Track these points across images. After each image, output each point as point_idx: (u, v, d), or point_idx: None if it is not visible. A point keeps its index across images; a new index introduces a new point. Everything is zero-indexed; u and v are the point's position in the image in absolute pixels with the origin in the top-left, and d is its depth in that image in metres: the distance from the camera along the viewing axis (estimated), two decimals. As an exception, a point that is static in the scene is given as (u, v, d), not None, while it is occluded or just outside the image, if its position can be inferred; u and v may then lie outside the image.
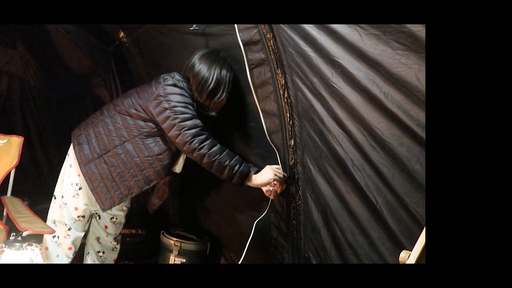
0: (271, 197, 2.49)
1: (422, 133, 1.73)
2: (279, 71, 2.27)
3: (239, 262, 2.59)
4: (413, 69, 1.71)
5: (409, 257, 1.40)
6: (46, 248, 2.74)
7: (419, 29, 1.64)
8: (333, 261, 2.27)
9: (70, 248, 2.75)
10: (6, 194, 2.97)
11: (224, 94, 2.50)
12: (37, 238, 2.58)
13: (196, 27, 2.55)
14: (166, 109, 2.38)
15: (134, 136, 2.53)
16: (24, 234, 2.24)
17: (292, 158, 2.40)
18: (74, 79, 3.94)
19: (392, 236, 1.96)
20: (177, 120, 2.36)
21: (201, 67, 2.45)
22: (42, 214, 2.74)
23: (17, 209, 2.70)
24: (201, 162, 2.41)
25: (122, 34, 3.50)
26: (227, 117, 2.75)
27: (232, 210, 3.00)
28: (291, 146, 2.38)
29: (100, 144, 2.56)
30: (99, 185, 2.57)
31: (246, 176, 2.43)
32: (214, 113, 2.59)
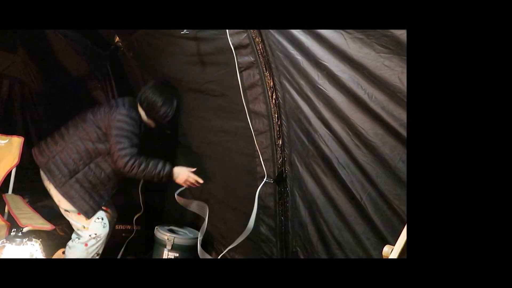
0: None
1: (404, 132, 1.72)
2: (267, 74, 2.25)
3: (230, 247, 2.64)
4: (396, 71, 1.70)
5: (392, 251, 1.39)
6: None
7: (402, 33, 1.63)
8: (319, 255, 2.25)
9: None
10: (7, 192, 2.95)
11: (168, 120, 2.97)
12: (37, 233, 2.55)
13: (187, 31, 2.52)
14: (112, 135, 2.70)
15: (98, 155, 2.76)
16: (25, 230, 2.25)
17: (280, 157, 2.38)
18: (72, 81, 3.91)
19: (376, 231, 1.95)
20: (114, 149, 2.68)
21: (155, 98, 2.87)
22: (42, 210, 2.74)
23: (18, 206, 2.70)
24: (135, 178, 2.82)
25: (117, 38, 3.47)
26: (217, 117, 2.73)
27: (223, 207, 2.98)
28: (279, 145, 2.36)
29: (70, 167, 2.73)
30: (79, 200, 2.72)
31: (170, 175, 2.79)
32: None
